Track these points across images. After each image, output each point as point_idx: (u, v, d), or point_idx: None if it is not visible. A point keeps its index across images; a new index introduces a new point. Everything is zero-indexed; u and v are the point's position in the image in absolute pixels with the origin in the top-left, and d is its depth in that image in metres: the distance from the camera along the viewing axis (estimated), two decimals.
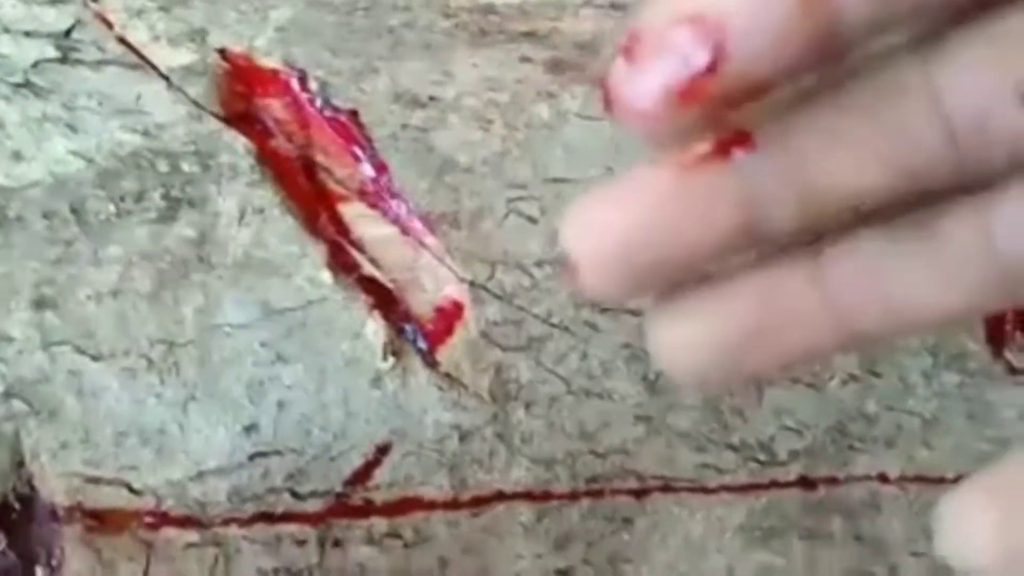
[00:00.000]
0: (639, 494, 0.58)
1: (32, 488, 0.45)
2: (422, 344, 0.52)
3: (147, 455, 0.47)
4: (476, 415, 0.52)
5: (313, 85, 0.57)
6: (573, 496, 0.55)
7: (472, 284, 0.54)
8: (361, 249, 0.53)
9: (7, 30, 0.55)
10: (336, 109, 0.56)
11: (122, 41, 0.55)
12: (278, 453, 0.48)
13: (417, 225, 0.55)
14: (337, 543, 0.50)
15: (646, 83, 0.22)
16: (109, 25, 0.56)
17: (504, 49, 0.63)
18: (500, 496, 0.53)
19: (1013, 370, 0.66)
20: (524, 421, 0.54)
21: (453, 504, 0.51)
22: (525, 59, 0.63)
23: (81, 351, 0.47)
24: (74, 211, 0.50)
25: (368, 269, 0.53)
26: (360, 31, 0.61)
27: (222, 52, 0.56)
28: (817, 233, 0.26)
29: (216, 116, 0.54)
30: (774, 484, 0.62)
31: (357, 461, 0.50)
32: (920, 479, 0.65)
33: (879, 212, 0.25)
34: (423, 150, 0.57)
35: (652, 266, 0.24)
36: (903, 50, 0.25)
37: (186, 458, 0.48)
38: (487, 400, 0.53)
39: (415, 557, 0.52)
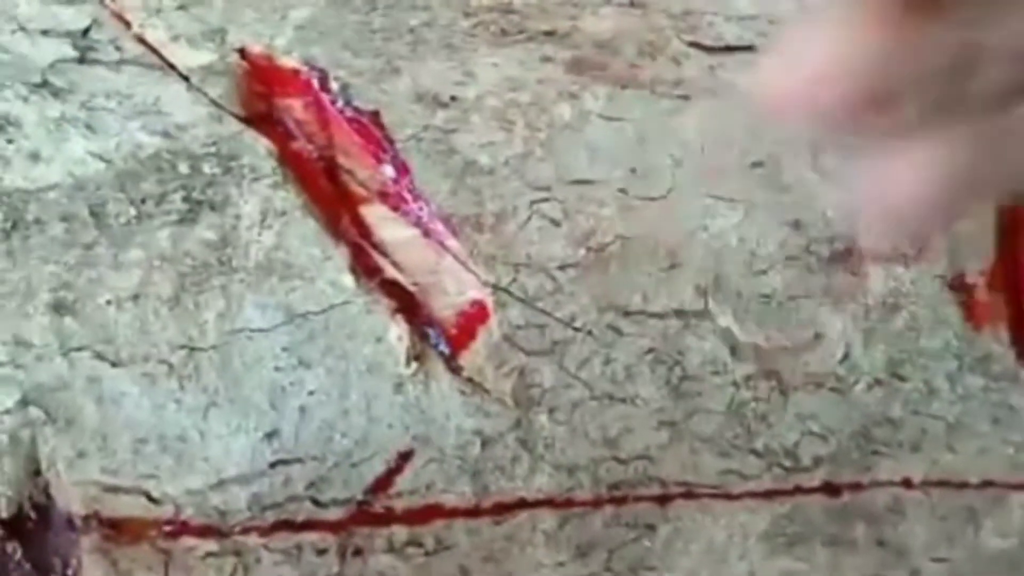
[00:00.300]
0: (662, 501, 0.56)
1: (48, 497, 0.44)
2: (445, 348, 0.51)
3: (166, 463, 0.46)
4: (499, 421, 0.51)
5: (334, 85, 0.55)
6: (596, 503, 0.54)
7: (495, 287, 0.52)
8: (383, 252, 0.52)
9: (23, 29, 0.53)
10: (357, 110, 0.55)
11: (140, 40, 0.54)
12: (299, 460, 0.47)
13: (439, 227, 0.53)
14: (358, 552, 0.48)
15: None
16: (127, 24, 0.54)
17: (525, 48, 0.61)
18: (522, 503, 0.51)
19: None
20: (547, 427, 0.52)
21: (475, 512, 0.50)
22: (546, 59, 0.61)
23: (100, 357, 0.46)
24: (93, 214, 0.48)
25: (390, 272, 0.51)
26: (380, 30, 0.59)
27: (242, 52, 0.55)
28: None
29: (237, 117, 0.53)
30: (798, 490, 0.61)
31: (379, 468, 0.49)
32: (944, 484, 0.64)
33: None
34: (445, 151, 0.55)
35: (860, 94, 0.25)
36: None
37: (206, 465, 0.46)
38: (510, 405, 0.52)
39: (436, 565, 0.51)
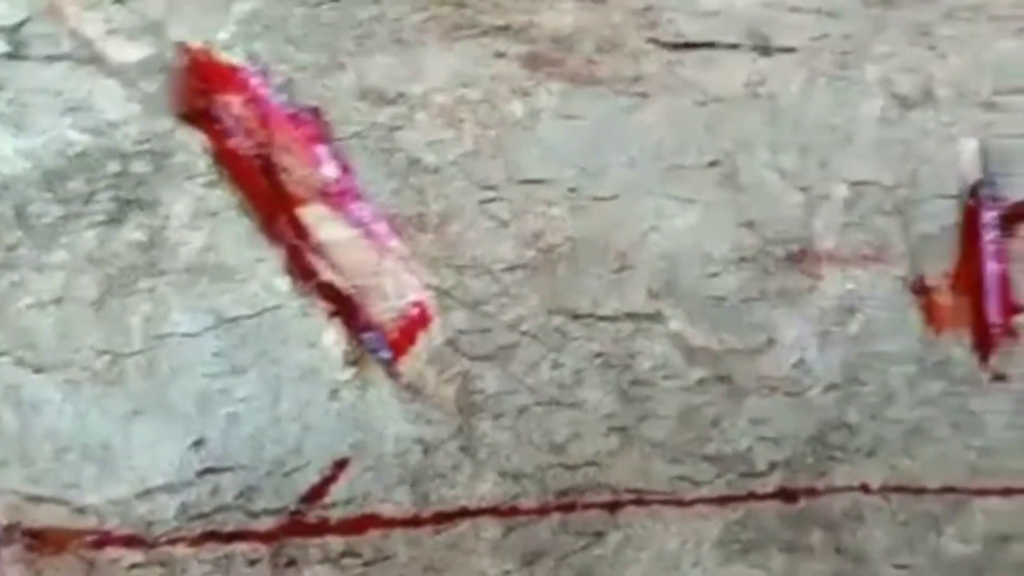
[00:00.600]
0: (612, 507, 0.54)
1: None
2: (384, 353, 0.49)
3: (90, 472, 0.44)
4: (440, 428, 0.49)
5: (275, 81, 0.53)
6: (542, 511, 0.52)
7: (438, 290, 0.50)
8: (321, 254, 0.50)
9: None
10: (299, 106, 0.53)
11: (76, 35, 0.52)
12: (229, 469, 0.45)
13: (381, 228, 0.51)
14: (291, 562, 0.46)
15: None
16: (63, 18, 0.52)
17: (478, 44, 0.59)
18: (464, 512, 0.49)
19: (999, 377, 0.62)
20: (491, 433, 0.50)
21: (414, 521, 0.48)
22: (500, 54, 0.59)
23: (21, 362, 0.44)
24: (17, 214, 0.46)
25: (328, 275, 0.49)
26: (327, 24, 0.57)
27: (180, 46, 0.52)
28: None
29: (172, 113, 0.50)
30: (752, 496, 0.59)
31: (313, 477, 0.46)
32: (903, 489, 0.62)
33: None
34: (389, 149, 0.53)
35: None
36: None
37: (131, 474, 0.44)
38: (452, 412, 0.49)
39: None
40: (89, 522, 0.43)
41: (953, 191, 0.65)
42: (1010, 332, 0.64)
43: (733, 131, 0.61)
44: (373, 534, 0.46)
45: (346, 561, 0.46)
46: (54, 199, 0.46)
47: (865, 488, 0.62)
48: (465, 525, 0.48)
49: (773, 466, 0.60)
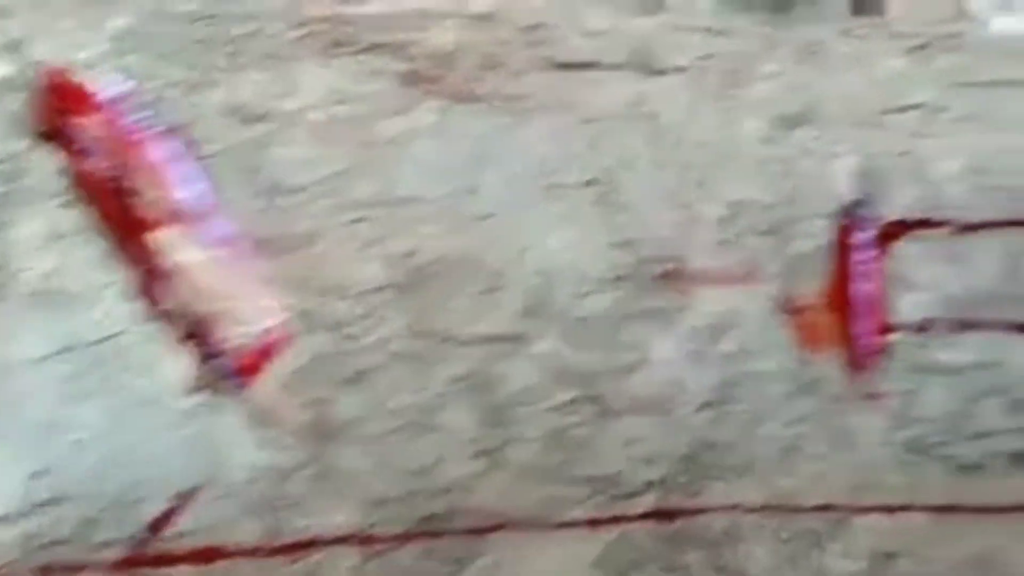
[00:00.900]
0: (479, 532, 0.53)
1: None
2: (235, 379, 0.47)
3: None
4: (294, 454, 0.47)
5: (140, 99, 0.51)
6: (404, 538, 0.51)
7: (297, 313, 0.48)
8: (174, 277, 0.48)
9: None
10: (162, 126, 0.51)
11: None
12: (72, 499, 0.43)
13: (240, 250, 0.49)
14: None
15: None
16: None
17: (356, 61, 0.57)
18: (319, 541, 0.48)
19: (873, 395, 0.62)
20: (349, 459, 0.49)
21: (266, 551, 0.46)
22: (378, 72, 0.57)
23: None
24: None
25: (180, 299, 0.47)
26: (201, 41, 0.55)
27: (40, 65, 0.50)
28: None
29: (29, 133, 0.48)
30: (627, 517, 0.58)
31: (159, 506, 0.45)
32: (782, 507, 0.61)
33: None
34: (254, 168, 0.52)
35: None
36: None
37: None
38: (307, 438, 0.48)
39: None
40: None
41: (830, 210, 0.64)
42: (883, 350, 0.64)
43: (614, 150, 0.61)
44: (222, 564, 0.44)
45: None
46: None
47: (743, 507, 0.62)
48: (321, 554, 0.47)
49: (647, 486, 0.59)
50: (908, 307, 0.64)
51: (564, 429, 0.56)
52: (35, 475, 0.44)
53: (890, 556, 0.64)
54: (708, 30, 0.69)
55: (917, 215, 0.65)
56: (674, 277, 0.60)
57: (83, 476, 0.44)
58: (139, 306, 0.46)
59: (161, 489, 0.45)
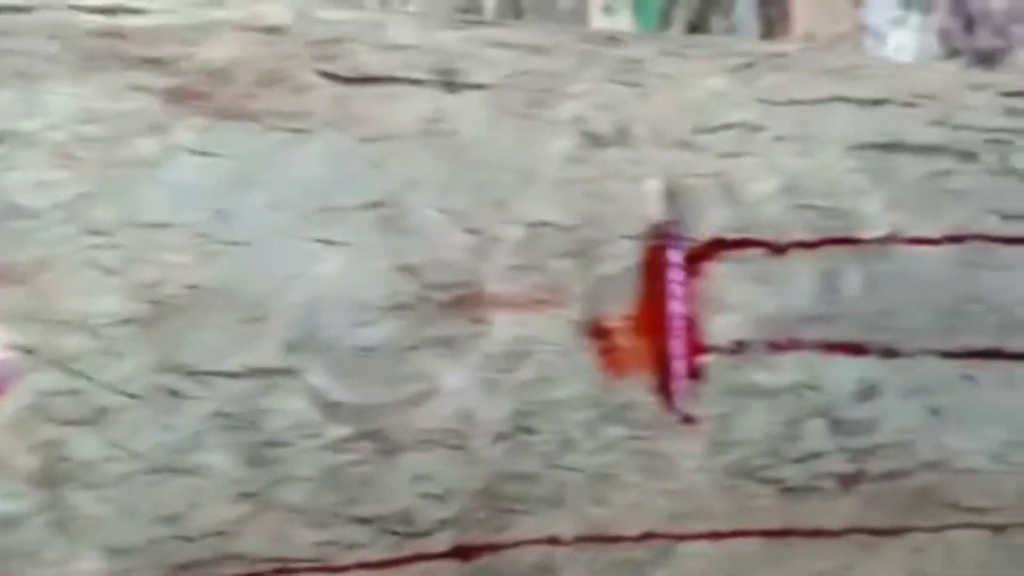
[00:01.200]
0: None
1: None
2: None
3: None
4: (24, 501, 0.42)
5: None
6: None
7: (23, 349, 0.43)
8: None
9: None
10: None
11: None
12: None
13: None
14: None
15: None
16: None
17: (117, 77, 0.53)
18: None
19: (687, 419, 0.58)
20: (88, 506, 0.44)
21: None
22: (141, 88, 0.53)
23: None
24: None
25: None
26: None
27: None
28: None
29: None
30: (422, 556, 0.53)
31: None
32: (599, 538, 0.58)
33: None
34: None
35: None
36: None
37: None
38: (38, 483, 0.43)
39: None
40: None
41: (638, 231, 0.61)
42: (696, 373, 0.61)
43: (402, 170, 0.56)
44: None
45: None
46: None
47: (555, 540, 0.58)
48: None
49: (442, 524, 0.55)
50: (722, 328, 0.61)
51: (340, 467, 0.52)
52: None
53: None
54: (523, 46, 0.65)
55: (730, 235, 0.62)
56: (466, 303, 0.56)
57: None
58: None
59: None
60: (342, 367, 0.51)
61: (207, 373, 0.48)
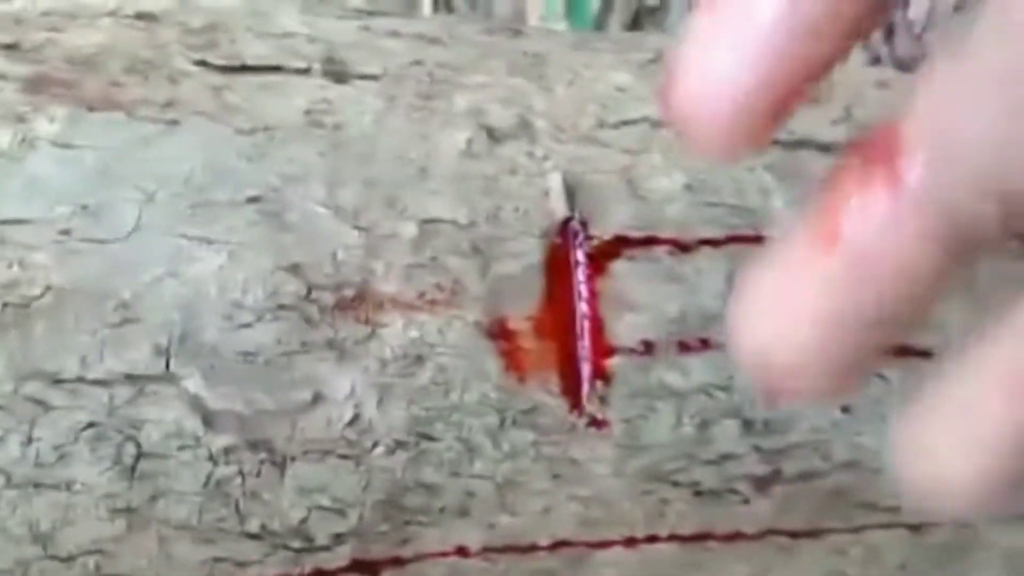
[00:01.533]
0: None
1: None
2: None
3: None
4: None
5: None
6: None
7: None
8: None
9: None
10: None
11: None
12: None
13: None
14: None
15: None
16: None
17: None
18: None
19: (596, 423, 0.56)
20: None
21: None
22: None
23: None
24: None
25: None
26: None
27: None
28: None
29: None
30: (320, 573, 0.50)
31: None
32: (510, 548, 0.55)
33: None
34: None
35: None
36: None
37: None
38: None
39: None
40: None
41: (540, 229, 0.59)
42: (603, 375, 0.59)
43: (283, 164, 0.53)
44: None
45: None
46: None
47: (463, 551, 0.55)
48: None
49: (340, 538, 0.52)
50: (629, 329, 0.59)
51: (225, 480, 0.48)
52: None
53: None
54: (420, 36, 0.63)
55: (635, 233, 0.60)
56: (355, 304, 0.53)
57: None
58: None
59: None
60: (222, 373, 0.48)
61: (73, 380, 0.44)
